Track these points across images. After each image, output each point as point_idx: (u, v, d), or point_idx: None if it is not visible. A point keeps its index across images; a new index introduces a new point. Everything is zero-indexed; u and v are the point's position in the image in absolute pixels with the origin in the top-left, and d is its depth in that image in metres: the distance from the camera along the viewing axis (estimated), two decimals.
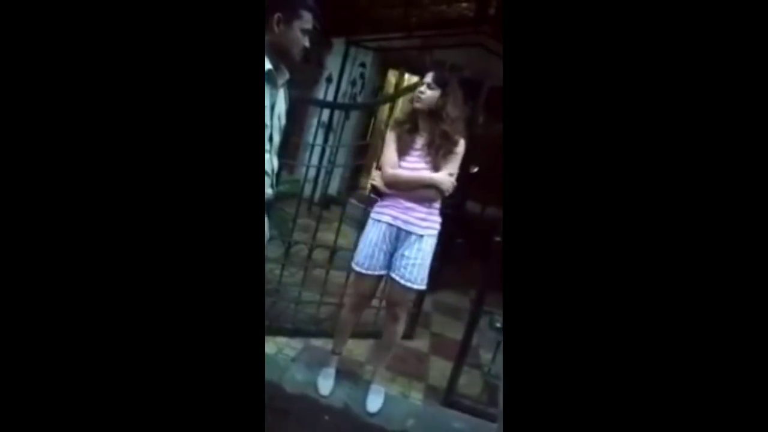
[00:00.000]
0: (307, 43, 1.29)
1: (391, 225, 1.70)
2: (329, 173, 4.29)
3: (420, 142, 1.69)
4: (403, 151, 1.70)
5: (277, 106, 1.32)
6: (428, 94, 1.65)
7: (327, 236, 2.27)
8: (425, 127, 1.69)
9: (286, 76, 1.34)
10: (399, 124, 1.76)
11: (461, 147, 1.67)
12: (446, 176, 1.65)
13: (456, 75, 1.74)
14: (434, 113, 1.65)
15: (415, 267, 1.69)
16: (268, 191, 1.34)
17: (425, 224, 1.69)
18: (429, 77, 1.66)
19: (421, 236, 1.68)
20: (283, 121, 1.39)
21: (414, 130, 1.71)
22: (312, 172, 4.09)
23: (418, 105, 1.67)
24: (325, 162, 3.94)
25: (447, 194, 1.67)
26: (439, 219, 1.74)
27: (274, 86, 1.30)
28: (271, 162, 1.34)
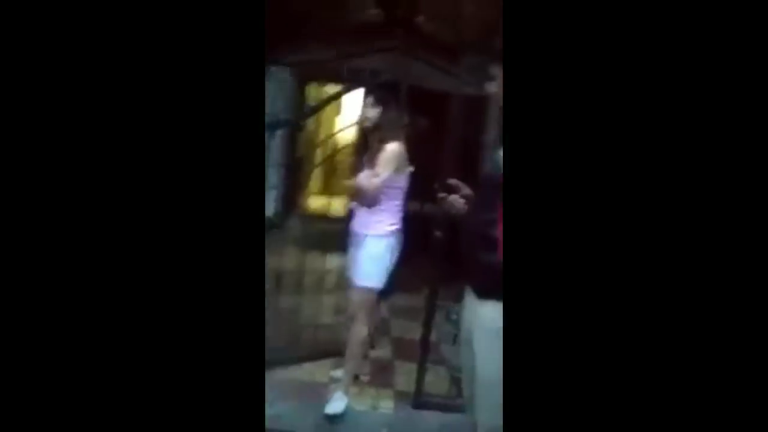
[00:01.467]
0: None
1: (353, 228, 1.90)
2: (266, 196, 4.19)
3: (369, 153, 1.85)
4: (358, 166, 1.86)
5: None
6: (372, 113, 1.79)
7: (273, 261, 2.20)
8: (373, 140, 1.83)
9: None
10: (355, 145, 1.99)
11: (388, 149, 1.75)
12: (363, 176, 1.76)
13: (378, 81, 1.85)
14: (379, 127, 1.80)
15: (357, 264, 1.83)
16: None
17: (366, 223, 1.83)
18: (370, 97, 1.81)
19: (365, 236, 1.82)
20: None
21: (365, 145, 1.88)
22: None
23: (366, 124, 1.82)
24: None
25: (368, 193, 1.76)
26: (383, 222, 1.80)
27: None
28: None
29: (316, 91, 5.13)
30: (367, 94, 1.82)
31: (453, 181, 1.29)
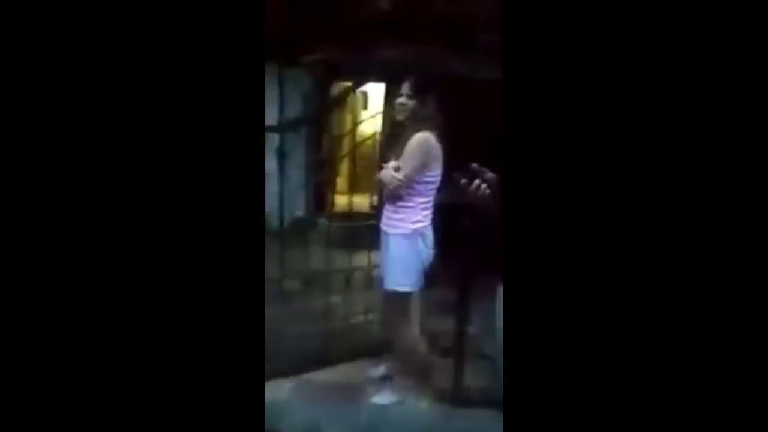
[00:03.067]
0: None
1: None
2: (292, 197, 4.21)
3: (399, 145, 1.73)
4: (387, 158, 1.76)
5: None
6: (409, 104, 1.69)
7: (301, 263, 2.17)
8: (405, 132, 1.71)
9: None
10: (386, 135, 1.92)
11: (415, 140, 1.65)
12: (386, 170, 1.67)
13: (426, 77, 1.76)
14: (417, 119, 1.69)
15: (384, 264, 1.76)
16: None
17: (389, 223, 1.73)
18: (407, 87, 1.69)
19: (388, 234, 1.73)
20: None
21: (398, 137, 1.76)
22: (275, 202, 4.02)
23: (400, 116, 1.71)
24: (285, 187, 3.84)
25: (390, 187, 1.66)
26: (405, 220, 1.70)
27: None
28: None
29: (339, 89, 5.11)
30: (403, 85, 1.72)
31: (474, 166, 1.21)
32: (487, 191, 1.18)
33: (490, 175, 1.20)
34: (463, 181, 1.21)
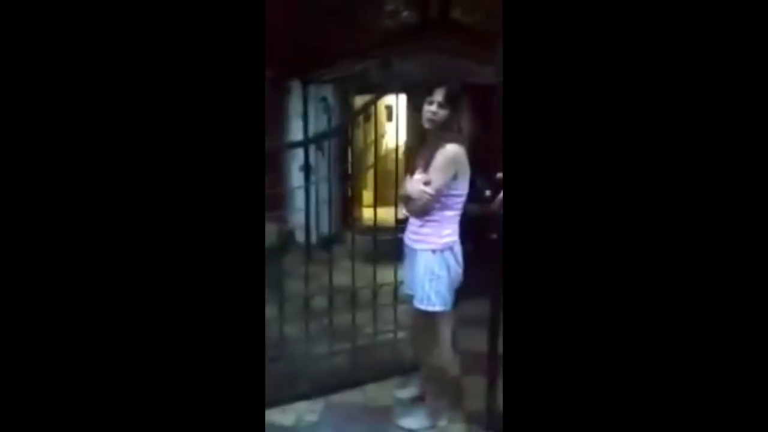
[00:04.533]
0: None
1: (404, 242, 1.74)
2: (318, 214, 4.20)
3: (424, 156, 1.64)
4: (412, 169, 1.69)
5: None
6: (440, 113, 1.58)
7: (325, 278, 2.13)
8: (433, 143, 1.62)
9: None
10: (409, 146, 1.80)
11: (447, 152, 1.56)
12: (414, 184, 1.58)
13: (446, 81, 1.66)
14: (446, 129, 1.59)
15: (413, 282, 1.66)
16: None
17: (416, 237, 1.65)
18: (439, 95, 1.58)
19: (415, 250, 1.65)
20: None
21: (423, 147, 1.69)
22: (303, 218, 4.02)
23: (428, 125, 1.61)
24: (312, 203, 3.84)
25: (419, 203, 1.57)
26: (434, 235, 1.62)
27: None
28: None
29: (363, 102, 5.12)
30: (434, 93, 1.61)
31: (500, 177, 1.14)
32: None
33: None
34: (489, 192, 1.15)
